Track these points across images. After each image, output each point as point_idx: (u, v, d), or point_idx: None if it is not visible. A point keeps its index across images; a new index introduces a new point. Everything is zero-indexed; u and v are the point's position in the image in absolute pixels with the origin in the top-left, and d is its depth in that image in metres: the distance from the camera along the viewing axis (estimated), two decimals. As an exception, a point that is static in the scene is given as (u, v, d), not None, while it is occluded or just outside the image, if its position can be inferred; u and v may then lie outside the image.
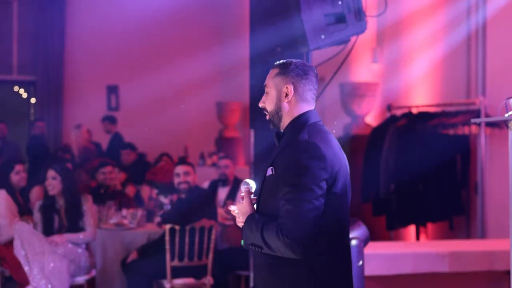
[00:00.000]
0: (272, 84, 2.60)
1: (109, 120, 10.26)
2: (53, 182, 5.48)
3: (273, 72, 2.62)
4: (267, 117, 2.63)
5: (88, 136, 9.83)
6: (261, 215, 2.53)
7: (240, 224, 2.58)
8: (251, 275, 4.99)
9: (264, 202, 2.54)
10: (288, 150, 2.46)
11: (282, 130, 2.60)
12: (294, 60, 2.62)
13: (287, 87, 2.57)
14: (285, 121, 2.58)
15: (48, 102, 11.10)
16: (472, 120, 3.06)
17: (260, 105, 2.65)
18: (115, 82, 11.28)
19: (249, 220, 2.52)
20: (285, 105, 2.58)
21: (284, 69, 2.58)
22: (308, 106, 2.59)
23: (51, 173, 5.49)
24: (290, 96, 2.57)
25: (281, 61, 2.65)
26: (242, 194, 2.59)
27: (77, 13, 10.99)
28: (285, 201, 2.40)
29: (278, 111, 2.58)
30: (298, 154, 2.42)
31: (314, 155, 2.42)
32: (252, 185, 2.60)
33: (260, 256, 2.55)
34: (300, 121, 2.55)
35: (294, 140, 2.48)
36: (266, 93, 2.62)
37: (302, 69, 2.59)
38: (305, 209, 2.37)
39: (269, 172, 2.50)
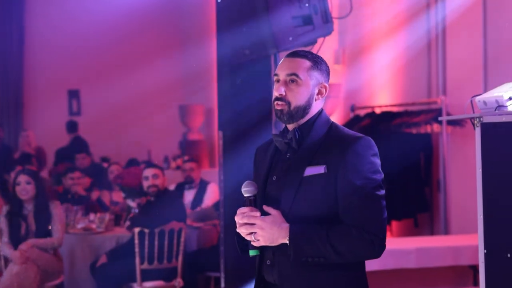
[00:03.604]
0: (308, 77, 2.37)
1: (68, 128, 10.18)
2: (28, 187, 5.43)
3: (304, 63, 2.38)
4: (284, 109, 2.36)
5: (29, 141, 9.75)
6: (301, 222, 2.28)
7: (266, 242, 2.27)
8: (222, 275, 5.02)
9: (304, 205, 2.31)
10: (345, 147, 2.30)
11: (295, 127, 2.39)
12: (318, 55, 2.46)
13: (324, 86, 2.42)
14: (306, 118, 2.39)
15: (7, 107, 10.94)
16: (440, 118, 3.16)
17: (279, 94, 2.36)
18: (77, 86, 11.17)
19: (297, 231, 2.25)
20: (315, 102, 2.39)
21: (318, 64, 2.40)
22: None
23: (24, 178, 5.44)
24: (323, 95, 2.42)
25: (307, 52, 2.45)
26: (249, 196, 2.31)
27: (36, 17, 10.85)
28: (360, 197, 2.25)
29: (307, 107, 2.37)
30: (363, 150, 2.30)
31: (375, 152, 2.35)
32: (254, 188, 2.32)
33: (294, 266, 2.31)
34: (322, 119, 2.41)
35: (346, 136, 2.34)
36: (294, 83, 2.36)
37: (328, 67, 2.45)
38: (382, 206, 2.30)
39: (316, 170, 2.30)
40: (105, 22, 10.29)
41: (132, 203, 6.43)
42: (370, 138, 2.36)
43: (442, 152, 6.84)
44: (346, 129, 2.41)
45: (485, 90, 6.06)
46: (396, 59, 7.48)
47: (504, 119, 2.78)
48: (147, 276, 5.56)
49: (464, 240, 5.67)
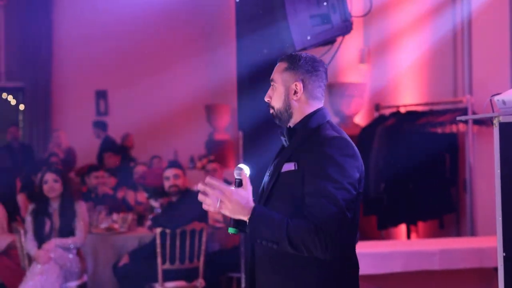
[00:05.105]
0: (280, 79, 2.45)
1: (98, 126, 10.24)
2: (55, 185, 5.49)
3: (281, 66, 2.47)
4: (273, 113, 2.49)
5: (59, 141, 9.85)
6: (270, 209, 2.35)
7: (227, 211, 2.32)
8: (242, 276, 5.00)
9: (277, 198, 2.38)
10: (317, 146, 2.34)
11: (290, 126, 2.47)
12: (303, 54, 2.49)
13: (296, 85, 2.44)
14: (296, 118, 2.46)
15: (36, 108, 11.09)
16: (458, 118, 3.07)
17: (266, 99, 2.49)
18: (104, 87, 11.28)
19: (260, 212, 2.30)
20: (294, 102, 2.44)
21: (293, 64, 2.44)
22: (318, 103, 2.47)
23: (52, 176, 5.49)
24: (299, 94, 2.44)
25: (290, 54, 2.51)
26: (238, 178, 2.34)
27: (64, 19, 10.98)
28: (321, 198, 2.26)
29: (287, 108, 2.45)
30: (331, 151, 2.31)
31: (348, 153, 2.33)
32: (246, 170, 2.36)
33: (267, 254, 2.38)
34: (317, 118, 2.43)
35: (322, 136, 2.37)
36: (273, 88, 2.47)
37: (311, 64, 2.45)
38: (342, 207, 2.27)
39: (289, 167, 2.36)
40: (132, 24, 10.38)
41: (155, 203, 6.45)
42: (345, 138, 2.38)
43: (468, 152, 6.72)
44: (330, 130, 2.41)
45: (512, 89, 5.93)
46: (421, 57, 7.38)
47: (522, 118, 2.71)
48: (169, 276, 5.56)
49: (489, 241, 5.54)
